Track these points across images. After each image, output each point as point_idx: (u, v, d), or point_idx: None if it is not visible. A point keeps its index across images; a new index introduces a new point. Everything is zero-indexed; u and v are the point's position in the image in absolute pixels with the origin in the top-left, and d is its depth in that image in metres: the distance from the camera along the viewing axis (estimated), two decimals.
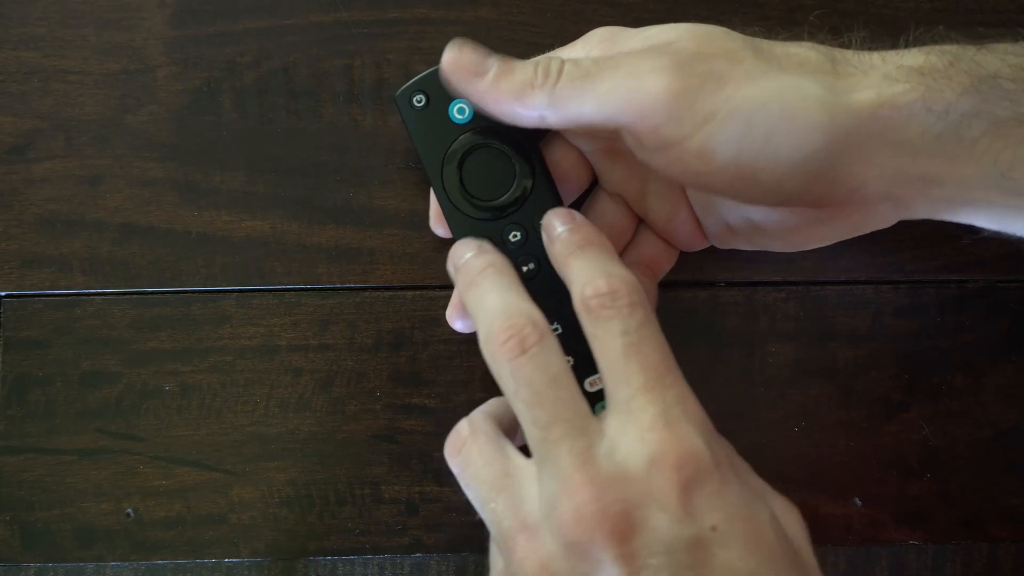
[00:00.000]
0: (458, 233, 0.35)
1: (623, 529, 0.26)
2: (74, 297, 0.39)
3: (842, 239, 0.34)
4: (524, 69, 0.31)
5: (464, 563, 0.39)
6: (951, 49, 0.29)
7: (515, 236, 0.35)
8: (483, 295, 0.31)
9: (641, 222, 0.37)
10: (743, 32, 0.32)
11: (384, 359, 0.39)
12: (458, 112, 0.35)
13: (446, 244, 0.39)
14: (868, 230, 0.33)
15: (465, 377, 0.39)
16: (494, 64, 0.31)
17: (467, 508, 0.38)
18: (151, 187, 0.39)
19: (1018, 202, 0.30)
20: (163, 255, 0.39)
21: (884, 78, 0.29)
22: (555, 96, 0.30)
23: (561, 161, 0.36)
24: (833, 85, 0.29)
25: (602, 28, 0.34)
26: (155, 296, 0.39)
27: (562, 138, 0.36)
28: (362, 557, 0.39)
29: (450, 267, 0.34)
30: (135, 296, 0.39)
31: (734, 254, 0.39)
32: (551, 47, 0.39)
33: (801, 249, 0.35)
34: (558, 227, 0.33)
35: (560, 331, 0.32)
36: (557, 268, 0.32)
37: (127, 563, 0.39)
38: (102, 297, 0.39)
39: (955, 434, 0.39)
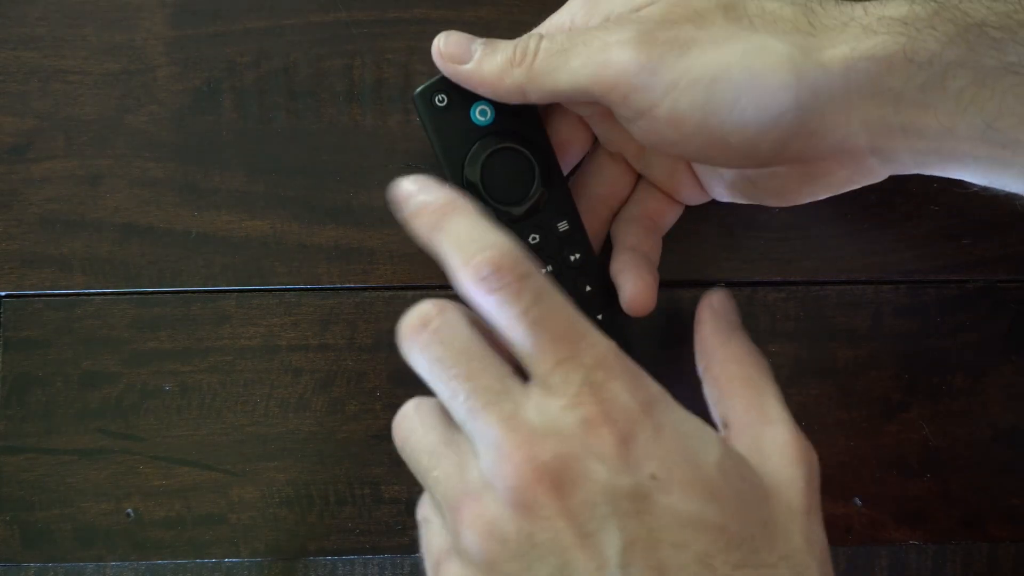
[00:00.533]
0: None
1: (563, 482, 0.26)
2: (74, 297, 0.39)
3: (836, 193, 0.34)
4: (505, 49, 0.33)
5: None
6: None
7: (534, 239, 0.35)
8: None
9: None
10: None
11: (384, 359, 0.39)
12: (480, 114, 0.34)
13: None
14: (859, 184, 0.33)
15: None
16: (478, 48, 0.33)
17: None
18: (151, 187, 0.39)
19: (1004, 154, 0.29)
20: (163, 255, 0.39)
21: (863, 30, 0.29)
22: (532, 73, 0.32)
23: (562, 127, 0.37)
24: (805, 42, 0.29)
25: None
26: (155, 296, 0.39)
27: (561, 105, 0.36)
28: (362, 557, 0.39)
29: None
30: (135, 296, 0.39)
31: (734, 254, 0.39)
32: None
33: (798, 203, 0.34)
34: (415, 195, 0.30)
35: None
36: (424, 245, 0.30)
37: (127, 563, 0.39)
38: (102, 297, 0.39)
39: (955, 434, 0.39)
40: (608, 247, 0.37)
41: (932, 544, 0.39)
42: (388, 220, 0.39)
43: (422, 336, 0.28)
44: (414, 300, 0.39)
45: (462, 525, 0.27)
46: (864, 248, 0.39)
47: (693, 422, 0.29)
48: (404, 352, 0.29)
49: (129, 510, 0.39)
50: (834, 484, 0.39)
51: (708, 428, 0.29)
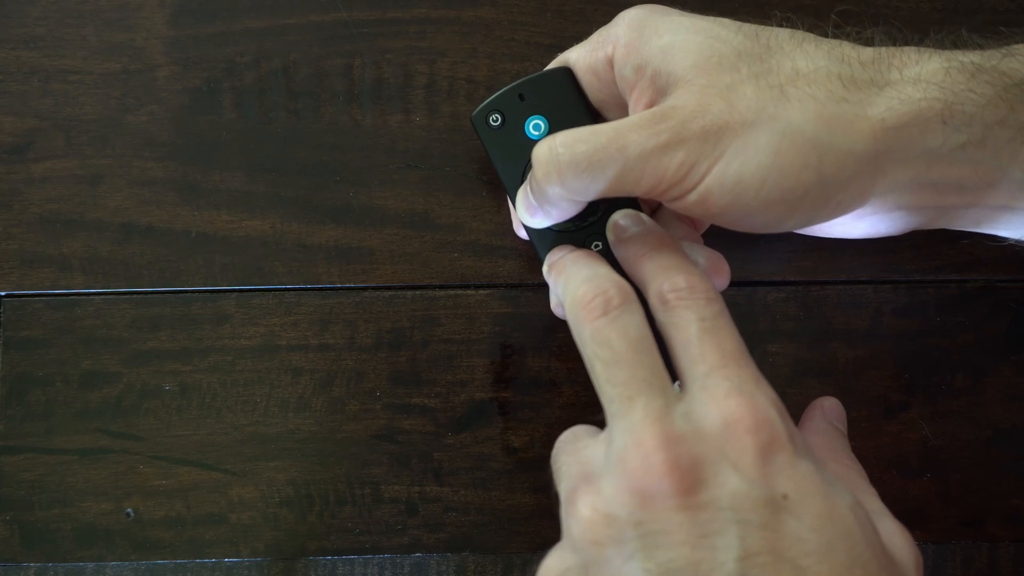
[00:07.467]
0: (540, 246, 0.35)
1: (691, 482, 0.26)
2: (74, 297, 0.39)
3: (856, 237, 0.34)
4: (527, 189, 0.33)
5: (464, 563, 0.39)
6: (973, 58, 0.29)
7: (597, 246, 0.35)
8: (573, 272, 0.31)
9: None
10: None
11: (384, 359, 0.39)
12: (534, 128, 0.35)
13: (446, 244, 0.39)
14: (882, 235, 0.34)
15: (465, 377, 0.39)
16: (521, 195, 0.34)
17: (467, 508, 0.39)
18: (151, 187, 0.39)
19: None
20: (163, 255, 0.39)
21: (898, 97, 0.29)
22: (569, 189, 0.31)
23: None
24: (835, 114, 0.29)
25: (634, 12, 0.33)
26: (155, 296, 0.39)
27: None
28: (362, 557, 0.39)
29: (545, 268, 0.34)
30: (135, 296, 0.39)
31: (733, 254, 0.39)
32: (550, 47, 0.39)
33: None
34: (629, 228, 0.33)
35: None
36: (627, 268, 0.32)
37: (127, 563, 0.39)
38: (102, 297, 0.39)
39: (955, 434, 0.39)
40: None
41: (932, 544, 0.39)
42: (388, 220, 0.39)
43: (600, 319, 0.29)
44: (414, 300, 0.39)
45: (574, 510, 0.27)
46: (864, 248, 0.39)
47: (830, 467, 0.29)
48: (573, 328, 0.30)
49: (129, 510, 0.39)
50: None
51: (841, 479, 0.29)
